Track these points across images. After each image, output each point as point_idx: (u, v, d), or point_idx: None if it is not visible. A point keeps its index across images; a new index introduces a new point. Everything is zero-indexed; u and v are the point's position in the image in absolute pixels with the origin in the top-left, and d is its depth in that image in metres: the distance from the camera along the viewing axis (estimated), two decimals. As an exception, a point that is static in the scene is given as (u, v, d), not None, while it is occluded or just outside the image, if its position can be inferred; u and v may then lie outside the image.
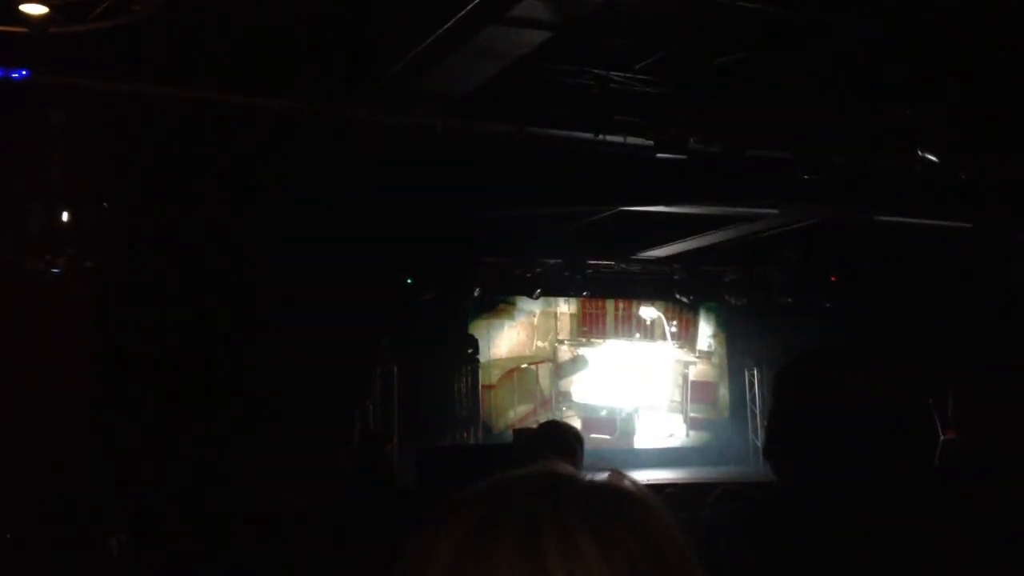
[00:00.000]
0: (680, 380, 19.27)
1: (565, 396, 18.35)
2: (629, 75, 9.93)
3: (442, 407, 16.53)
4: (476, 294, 16.31)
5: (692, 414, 19.08)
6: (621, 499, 0.96)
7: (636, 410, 18.74)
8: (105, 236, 9.49)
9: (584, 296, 17.18)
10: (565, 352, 18.56)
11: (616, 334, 18.86)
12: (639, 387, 18.83)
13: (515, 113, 10.21)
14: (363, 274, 14.51)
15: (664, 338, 19.20)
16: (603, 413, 18.49)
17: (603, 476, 0.99)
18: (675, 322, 19.17)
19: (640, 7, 8.32)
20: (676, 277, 17.39)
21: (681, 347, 19.35)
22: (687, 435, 18.76)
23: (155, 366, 11.74)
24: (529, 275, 16.46)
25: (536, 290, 16.74)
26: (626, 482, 0.99)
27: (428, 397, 16.48)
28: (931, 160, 9.71)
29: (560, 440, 4.48)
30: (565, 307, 18.06)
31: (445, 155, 10.72)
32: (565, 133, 10.55)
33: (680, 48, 9.41)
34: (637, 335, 18.98)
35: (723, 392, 19.38)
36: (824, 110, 10.05)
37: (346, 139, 10.26)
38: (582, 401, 18.43)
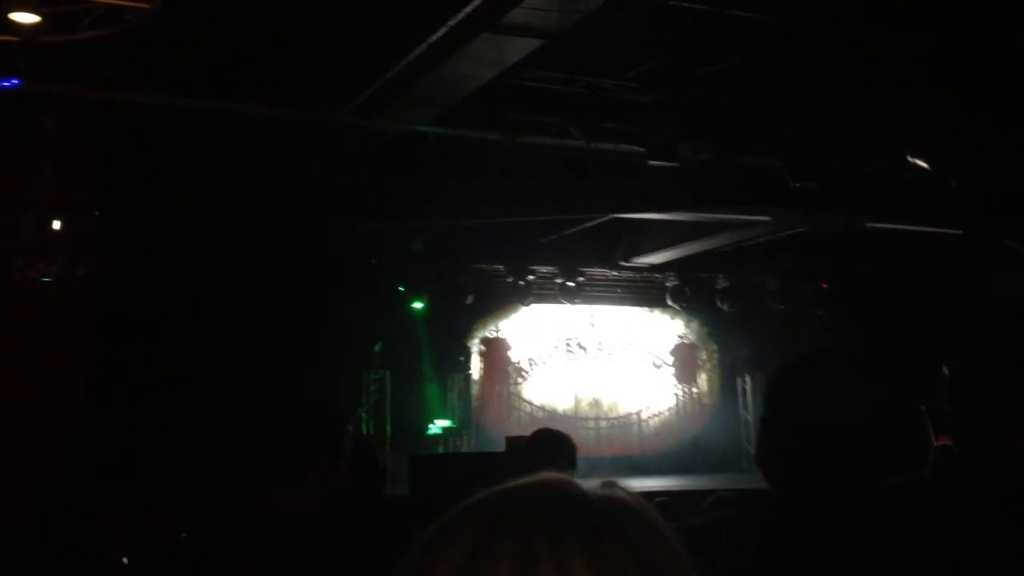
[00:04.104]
0: (673, 387, 19.26)
1: (558, 403, 18.33)
2: (620, 82, 9.95)
3: (434, 414, 16.52)
4: (468, 301, 16.30)
5: (685, 422, 19.08)
6: (620, 517, 0.95)
7: (629, 417, 18.74)
8: (96, 244, 9.46)
9: (577, 303, 17.14)
10: (557, 360, 18.55)
11: (609, 341, 18.86)
12: (632, 395, 18.83)
13: (507, 120, 10.22)
14: (355, 281, 14.50)
15: (657, 347, 19.22)
16: (595, 421, 18.49)
17: (601, 488, 0.98)
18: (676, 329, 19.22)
19: (631, 15, 8.34)
20: (668, 284, 17.40)
21: (674, 355, 19.37)
22: (680, 443, 18.74)
23: (147, 373, 11.72)
24: (521, 283, 16.45)
25: (528, 297, 16.73)
26: (625, 495, 0.98)
27: (421, 404, 16.48)
28: (922, 167, 9.73)
29: (553, 448, 4.48)
30: (556, 314, 18.02)
31: (437, 162, 10.73)
32: (557, 140, 10.56)
33: (671, 56, 9.43)
34: (630, 342, 18.99)
35: (715, 399, 19.39)
36: (815, 117, 10.07)
37: (338, 146, 10.26)
38: (574, 408, 18.42)
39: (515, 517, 0.92)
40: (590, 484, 0.98)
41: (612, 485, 1.00)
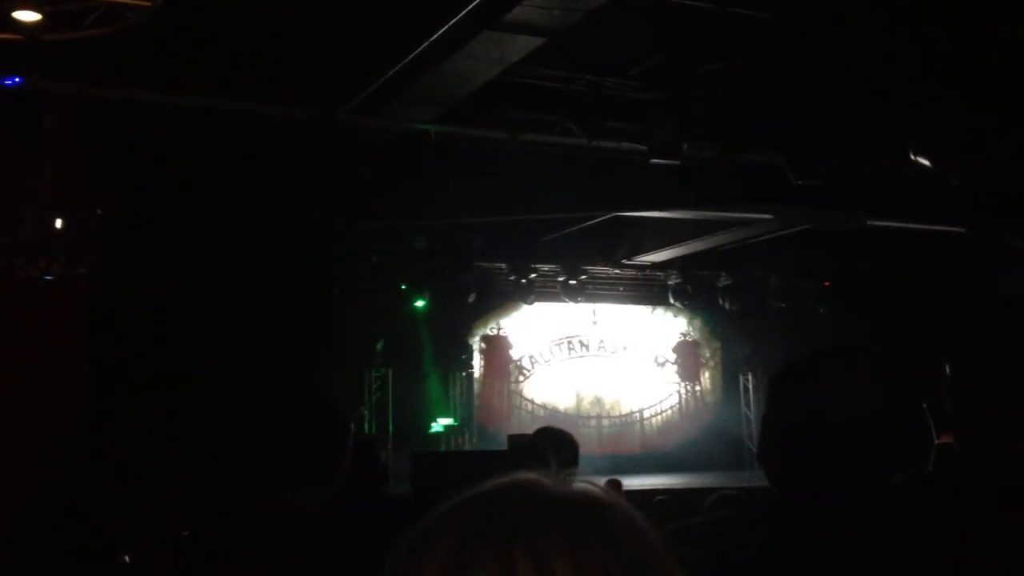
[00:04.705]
0: (675, 385, 19.26)
1: (559, 402, 18.33)
2: (622, 81, 9.93)
3: (437, 412, 16.53)
4: (471, 300, 16.30)
5: (687, 420, 19.07)
6: (597, 514, 0.94)
7: (631, 416, 18.74)
8: (98, 242, 9.47)
9: (579, 301, 17.15)
10: (559, 358, 18.54)
11: (611, 339, 18.85)
12: (634, 393, 18.82)
13: (508, 118, 10.21)
14: (356, 280, 14.50)
15: (660, 345, 19.22)
16: (597, 419, 18.48)
17: (576, 486, 0.98)
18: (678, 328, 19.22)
19: (633, 13, 8.33)
20: (670, 282, 17.41)
21: (677, 352, 19.36)
22: (682, 441, 18.74)
23: (149, 372, 11.72)
24: (524, 281, 16.46)
25: (531, 295, 16.73)
26: (600, 492, 0.97)
27: (423, 402, 16.49)
28: (923, 165, 9.73)
29: (555, 446, 4.47)
30: (558, 312, 18.02)
31: (439, 161, 10.73)
32: (558, 138, 10.55)
33: (673, 54, 9.42)
34: (632, 340, 18.98)
35: (718, 397, 19.38)
36: (816, 115, 10.07)
37: (339, 144, 10.25)
38: (576, 407, 18.41)
39: (494, 520, 0.92)
40: (564, 483, 0.98)
41: (594, 486, 0.99)
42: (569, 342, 18.58)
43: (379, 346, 15.93)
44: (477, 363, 17.81)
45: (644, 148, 10.25)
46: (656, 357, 19.14)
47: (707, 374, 19.56)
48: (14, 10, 6.16)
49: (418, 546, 0.93)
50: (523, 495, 0.95)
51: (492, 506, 0.94)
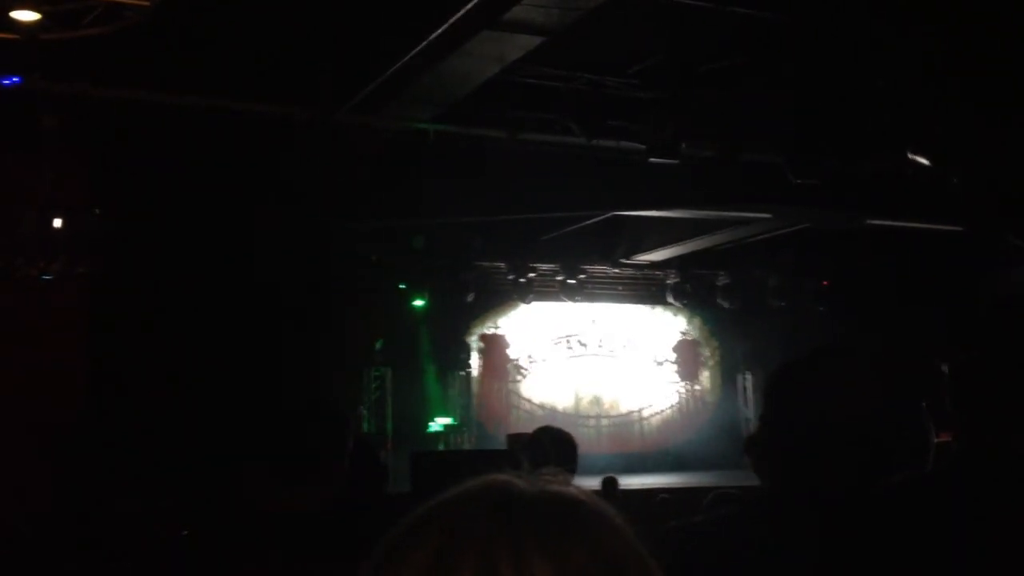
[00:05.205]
0: (674, 384, 19.26)
1: (558, 401, 18.32)
2: (622, 80, 9.93)
3: (435, 412, 16.53)
4: (469, 299, 16.30)
5: (687, 419, 19.07)
6: (573, 514, 0.95)
7: (630, 415, 18.73)
8: (98, 242, 9.47)
9: (578, 300, 17.15)
10: (558, 357, 18.54)
11: (610, 338, 18.84)
12: (633, 392, 18.82)
13: (507, 117, 10.21)
14: (356, 279, 14.49)
15: (659, 344, 19.22)
16: (596, 419, 18.47)
17: (553, 488, 0.98)
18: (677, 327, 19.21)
19: (633, 12, 8.32)
20: (669, 281, 17.41)
21: (676, 352, 19.36)
22: (681, 440, 18.73)
23: (147, 372, 11.71)
24: (523, 280, 16.46)
25: (529, 295, 16.73)
26: (575, 491, 0.98)
27: (422, 401, 16.48)
28: (923, 164, 9.73)
29: (554, 446, 4.47)
30: (557, 311, 18.02)
31: (438, 160, 10.72)
32: (558, 138, 10.55)
33: (673, 53, 9.42)
34: (631, 340, 18.97)
35: (717, 396, 19.38)
36: (816, 115, 10.07)
37: (338, 144, 10.25)
38: (575, 406, 18.41)
39: (476, 521, 0.92)
40: (538, 483, 0.98)
41: (574, 488, 0.99)
42: (568, 341, 18.57)
43: (378, 345, 15.93)
44: (476, 362, 17.81)
45: (644, 147, 10.25)
46: (655, 356, 19.14)
47: (706, 373, 19.56)
48: (13, 10, 6.16)
49: (400, 547, 0.93)
50: (501, 496, 0.95)
51: (472, 507, 0.94)
